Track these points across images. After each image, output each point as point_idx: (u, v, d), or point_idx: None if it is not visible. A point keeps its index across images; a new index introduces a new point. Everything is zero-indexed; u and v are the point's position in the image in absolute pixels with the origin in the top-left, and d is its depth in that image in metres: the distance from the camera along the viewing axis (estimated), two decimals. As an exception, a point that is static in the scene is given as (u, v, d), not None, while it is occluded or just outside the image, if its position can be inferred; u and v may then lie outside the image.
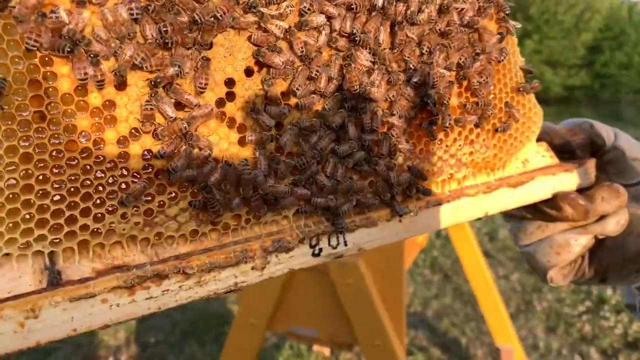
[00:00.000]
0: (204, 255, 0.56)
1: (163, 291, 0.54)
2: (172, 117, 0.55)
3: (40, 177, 0.50)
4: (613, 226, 0.75)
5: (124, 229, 0.53)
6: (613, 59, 22.52)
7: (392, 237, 0.66)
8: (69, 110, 0.52)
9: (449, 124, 0.68)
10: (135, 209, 0.54)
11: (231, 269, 0.57)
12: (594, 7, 22.79)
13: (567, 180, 0.77)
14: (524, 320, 4.91)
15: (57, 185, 0.51)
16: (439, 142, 0.70)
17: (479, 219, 0.73)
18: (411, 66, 0.67)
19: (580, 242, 0.76)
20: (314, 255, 0.62)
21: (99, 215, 0.53)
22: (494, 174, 0.75)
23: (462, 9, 0.68)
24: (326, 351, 3.69)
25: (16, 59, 0.49)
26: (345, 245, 0.64)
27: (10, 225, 0.49)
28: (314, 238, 0.62)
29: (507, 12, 0.72)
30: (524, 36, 19.24)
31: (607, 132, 0.79)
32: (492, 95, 0.74)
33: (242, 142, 0.61)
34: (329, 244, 0.63)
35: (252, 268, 0.59)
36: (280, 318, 2.16)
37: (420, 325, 4.79)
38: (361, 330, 2.44)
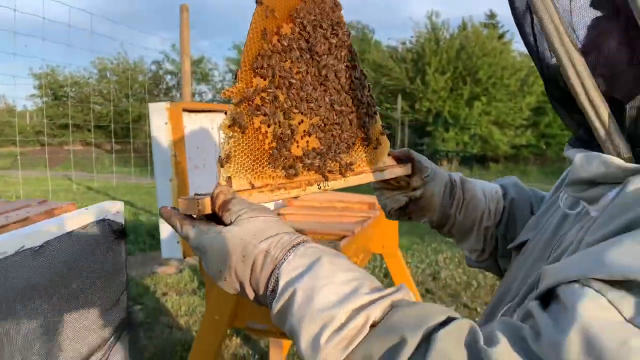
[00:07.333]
0: (304, 180, 0.99)
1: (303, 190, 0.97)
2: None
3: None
4: (417, 193, 1.26)
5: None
6: (556, 120, 23.11)
7: (340, 184, 1.17)
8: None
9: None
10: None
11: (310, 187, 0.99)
12: (536, 72, 23.24)
13: (400, 170, 1.28)
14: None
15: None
16: (353, 151, 1.16)
17: (359, 185, 1.21)
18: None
19: (404, 199, 1.29)
20: (318, 188, 1.05)
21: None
22: (370, 167, 1.26)
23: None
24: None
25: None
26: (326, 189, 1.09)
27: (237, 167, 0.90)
28: (319, 183, 1.06)
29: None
30: (473, 98, 19.21)
31: (416, 153, 1.30)
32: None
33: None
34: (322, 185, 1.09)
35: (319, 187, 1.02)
36: (239, 316, 2.52)
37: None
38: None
